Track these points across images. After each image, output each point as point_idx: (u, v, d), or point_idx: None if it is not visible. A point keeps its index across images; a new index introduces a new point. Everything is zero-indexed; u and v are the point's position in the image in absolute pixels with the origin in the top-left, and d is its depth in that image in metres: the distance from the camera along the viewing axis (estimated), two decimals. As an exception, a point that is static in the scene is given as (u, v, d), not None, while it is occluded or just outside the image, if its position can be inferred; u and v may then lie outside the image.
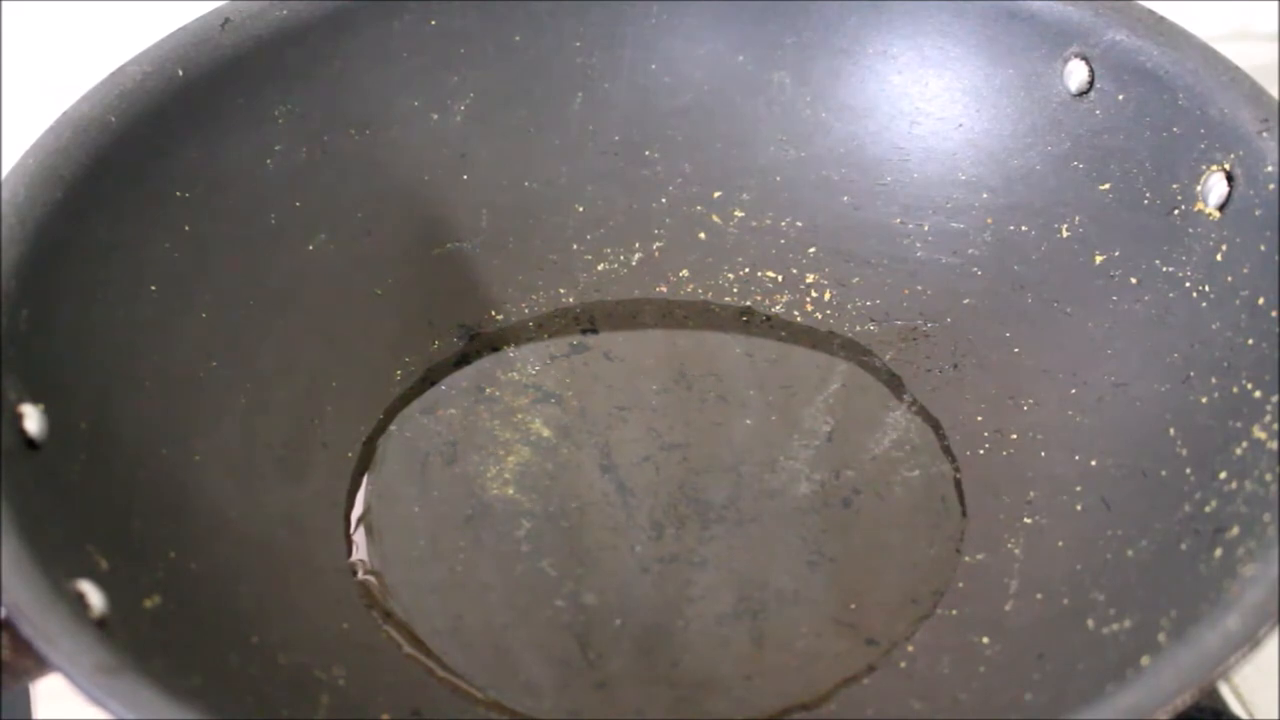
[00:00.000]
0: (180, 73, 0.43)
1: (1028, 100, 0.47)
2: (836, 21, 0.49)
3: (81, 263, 0.40)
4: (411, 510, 0.45)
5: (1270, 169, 0.40)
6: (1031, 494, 0.44)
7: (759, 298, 0.49)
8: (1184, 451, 0.40)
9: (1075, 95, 0.46)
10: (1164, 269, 0.43)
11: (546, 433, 0.47)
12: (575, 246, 0.50)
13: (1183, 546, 0.38)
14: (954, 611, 0.42)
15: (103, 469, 0.38)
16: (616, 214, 0.50)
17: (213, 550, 0.40)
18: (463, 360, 0.48)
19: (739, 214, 0.50)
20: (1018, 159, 0.47)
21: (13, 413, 0.36)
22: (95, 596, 0.34)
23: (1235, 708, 0.44)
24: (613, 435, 0.46)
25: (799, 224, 0.50)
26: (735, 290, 0.50)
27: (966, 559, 0.43)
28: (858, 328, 0.49)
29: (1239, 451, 0.38)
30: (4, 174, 0.40)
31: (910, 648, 0.41)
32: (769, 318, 0.49)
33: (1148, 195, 0.44)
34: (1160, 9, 0.45)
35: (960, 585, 0.42)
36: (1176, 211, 0.43)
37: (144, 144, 0.42)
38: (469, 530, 0.44)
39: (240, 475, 0.43)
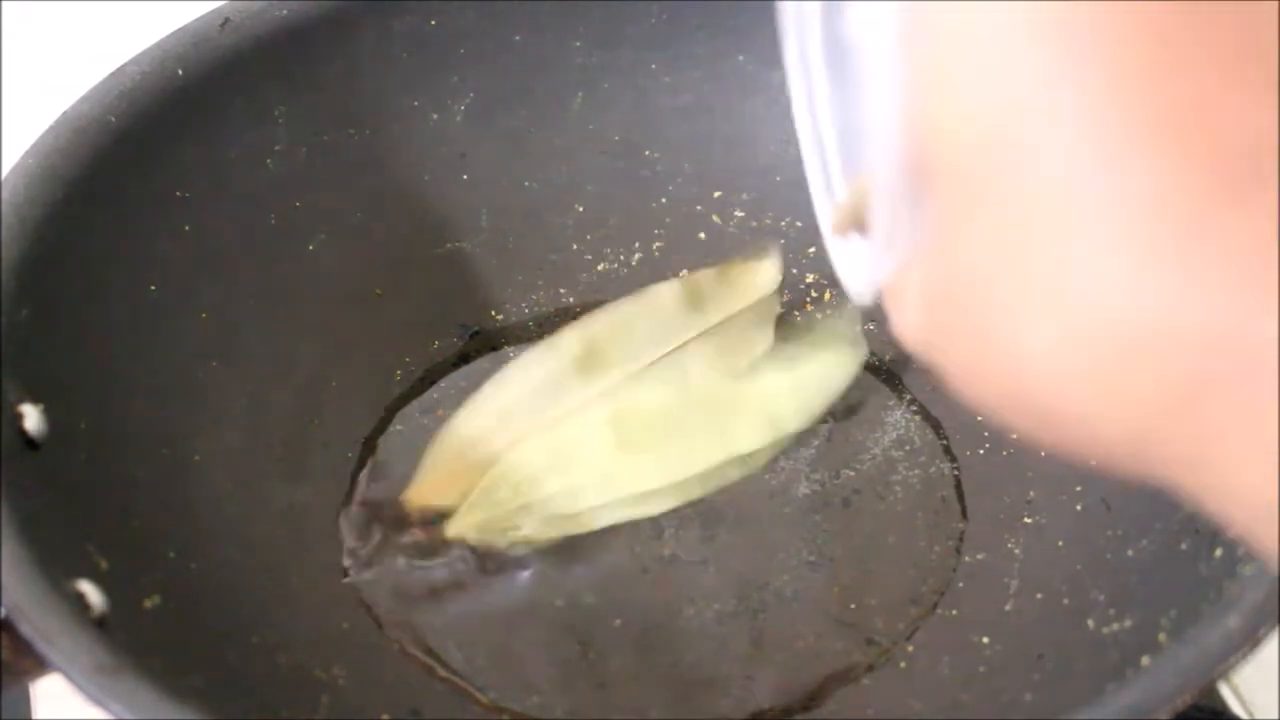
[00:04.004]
0: (180, 73, 0.43)
1: (1028, 100, 0.47)
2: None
3: (81, 263, 0.40)
4: (411, 510, 0.45)
5: (1270, 169, 0.40)
6: (1031, 494, 0.44)
7: (759, 298, 0.49)
8: (1184, 451, 0.40)
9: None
10: (1164, 269, 0.43)
11: (546, 433, 0.46)
12: (575, 246, 0.50)
13: (1183, 546, 0.38)
14: (954, 611, 0.42)
15: (103, 469, 0.38)
16: (616, 214, 0.50)
17: (213, 550, 0.40)
18: (463, 360, 0.48)
19: (739, 214, 0.50)
20: (1018, 159, 0.47)
21: (13, 413, 0.36)
22: (95, 596, 0.34)
23: (1235, 708, 0.44)
24: (613, 435, 0.46)
25: (799, 224, 0.50)
26: (735, 290, 0.50)
27: (966, 559, 0.43)
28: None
29: (1239, 451, 0.38)
30: (4, 174, 0.40)
31: (910, 648, 0.41)
32: (769, 318, 0.49)
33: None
34: (1160, 9, 0.45)
35: (960, 585, 0.42)
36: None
37: (144, 144, 0.42)
38: (469, 530, 0.44)
39: (240, 475, 0.43)
